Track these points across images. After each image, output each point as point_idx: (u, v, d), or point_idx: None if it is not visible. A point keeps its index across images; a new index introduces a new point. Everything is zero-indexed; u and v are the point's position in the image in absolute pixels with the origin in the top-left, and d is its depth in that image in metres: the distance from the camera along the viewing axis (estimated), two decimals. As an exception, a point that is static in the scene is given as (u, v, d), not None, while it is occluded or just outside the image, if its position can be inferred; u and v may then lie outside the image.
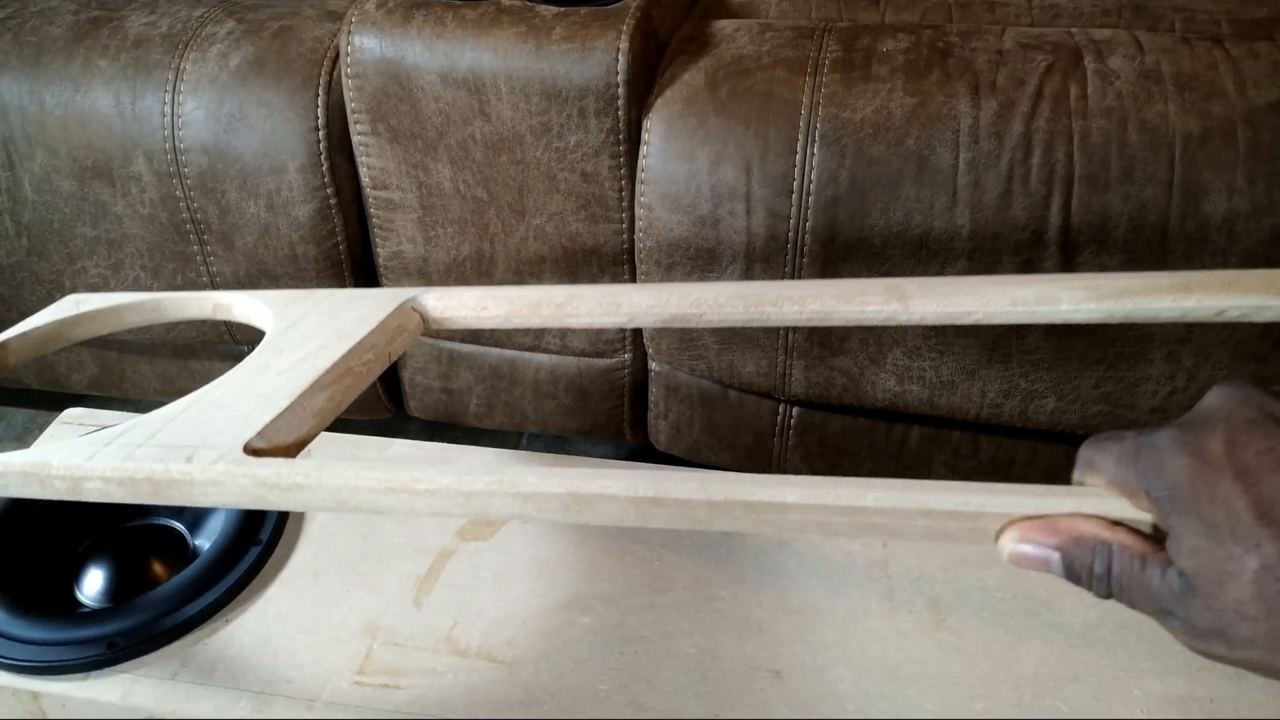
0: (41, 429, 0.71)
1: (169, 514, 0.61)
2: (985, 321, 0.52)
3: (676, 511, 0.40)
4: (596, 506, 0.40)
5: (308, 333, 0.55)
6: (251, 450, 0.45)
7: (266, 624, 0.51)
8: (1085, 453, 0.38)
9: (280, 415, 0.47)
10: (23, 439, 1.21)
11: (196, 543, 0.60)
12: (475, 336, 1.00)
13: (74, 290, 1.00)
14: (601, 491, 0.40)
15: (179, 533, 0.61)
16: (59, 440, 0.63)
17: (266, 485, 0.43)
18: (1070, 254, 0.79)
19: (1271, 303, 0.47)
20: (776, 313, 0.55)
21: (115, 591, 0.58)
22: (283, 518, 0.59)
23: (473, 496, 0.41)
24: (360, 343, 0.54)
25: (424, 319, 0.59)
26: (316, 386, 0.50)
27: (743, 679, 0.50)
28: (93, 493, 0.46)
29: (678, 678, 0.50)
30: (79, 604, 0.57)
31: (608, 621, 0.53)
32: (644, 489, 0.40)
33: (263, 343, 0.55)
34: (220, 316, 0.62)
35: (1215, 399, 0.35)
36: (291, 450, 0.47)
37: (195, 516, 0.61)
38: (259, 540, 0.57)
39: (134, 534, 0.61)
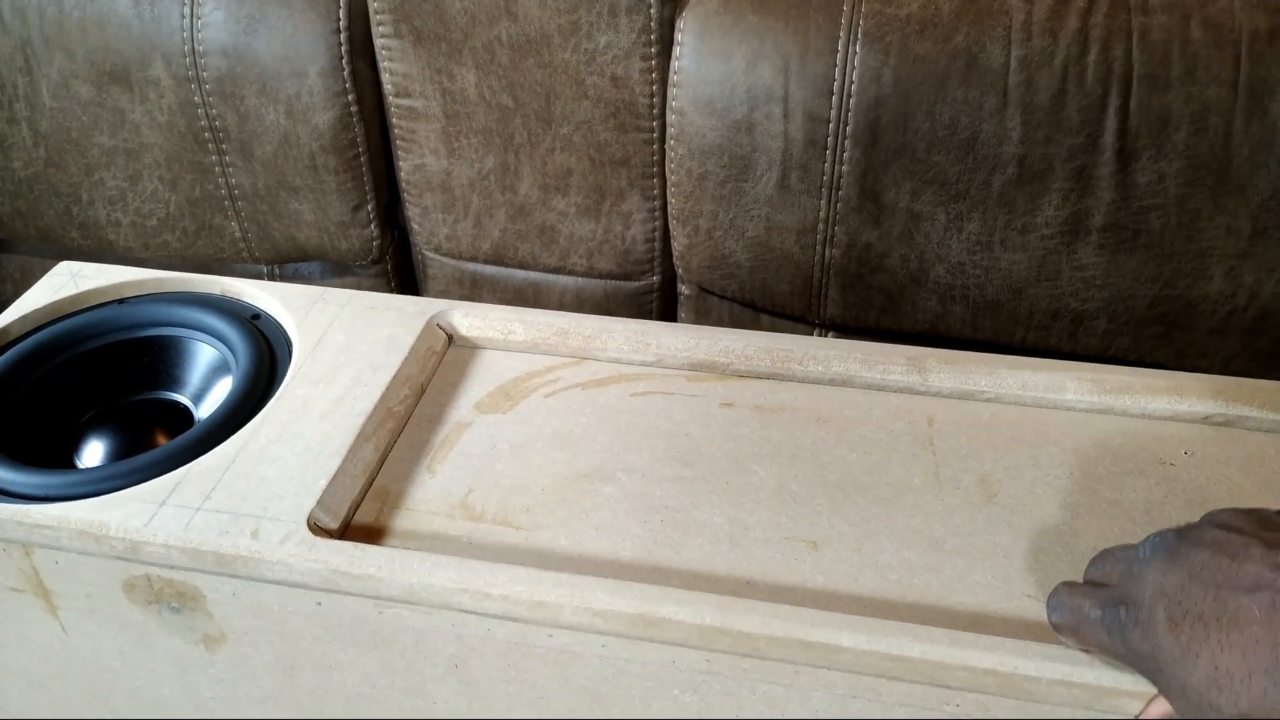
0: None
1: (173, 388, 0.59)
2: (996, 401, 0.54)
3: (739, 641, 0.42)
4: (663, 629, 0.42)
5: (338, 356, 0.55)
6: (316, 526, 0.46)
7: (264, 482, 0.48)
8: (1061, 623, 0.40)
9: (334, 478, 0.49)
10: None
11: (200, 416, 0.58)
12: (498, 258, 0.97)
13: (91, 203, 0.98)
14: (669, 616, 0.42)
15: (183, 406, 0.58)
16: (50, 291, 0.60)
17: (339, 573, 0.44)
18: (1127, 159, 0.75)
19: (1255, 414, 0.51)
20: (801, 370, 0.56)
21: (114, 460, 0.55)
22: (289, 389, 0.57)
23: (542, 606, 0.43)
24: (395, 376, 0.54)
25: (451, 338, 0.58)
26: (361, 437, 0.51)
27: (776, 548, 0.46)
28: (153, 557, 0.46)
29: (705, 545, 0.47)
30: (70, 468, 0.55)
31: (631, 491, 0.49)
32: (710, 618, 0.41)
33: (294, 367, 0.55)
34: (231, 294, 0.60)
35: (1150, 570, 0.37)
36: (351, 522, 0.49)
37: (200, 391, 0.58)
38: (262, 408, 0.53)
39: (137, 406, 0.58)
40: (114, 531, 0.46)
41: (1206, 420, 0.51)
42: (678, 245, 0.89)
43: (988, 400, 0.53)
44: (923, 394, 0.53)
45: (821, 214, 0.82)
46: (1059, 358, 0.88)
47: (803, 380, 0.55)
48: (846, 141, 0.79)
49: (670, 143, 0.84)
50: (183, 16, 0.88)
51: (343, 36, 0.87)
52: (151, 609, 0.48)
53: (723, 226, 0.85)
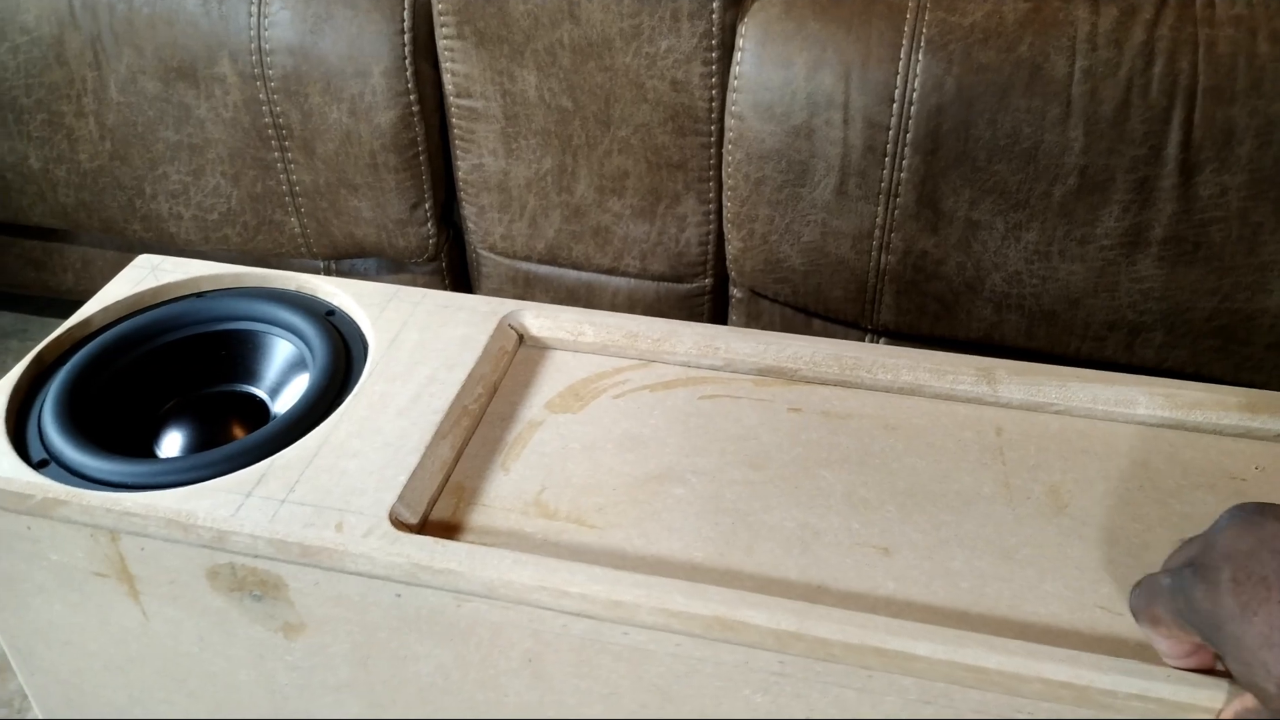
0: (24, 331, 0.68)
1: (250, 381, 0.60)
2: (1066, 413, 0.54)
3: (814, 646, 0.42)
4: (739, 632, 0.43)
5: (413, 354, 0.57)
6: (397, 521, 0.48)
7: (345, 476, 0.49)
8: (1136, 606, 0.42)
9: (414, 474, 0.50)
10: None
11: (276, 409, 0.59)
12: (552, 258, 0.98)
13: (154, 196, 1.00)
14: (745, 620, 0.42)
15: (260, 399, 0.59)
16: (131, 283, 0.62)
17: (420, 567, 0.46)
18: (1190, 172, 0.75)
19: None
20: (870, 377, 0.56)
21: (194, 450, 0.57)
22: (365, 385, 0.58)
23: (619, 606, 0.44)
24: (470, 376, 0.55)
25: (522, 338, 0.59)
26: (439, 435, 0.52)
27: (846, 553, 0.47)
28: (239, 546, 0.48)
29: (776, 549, 0.47)
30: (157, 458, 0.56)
31: (702, 493, 0.50)
32: (785, 623, 0.42)
33: (370, 363, 0.56)
34: (306, 290, 0.61)
35: (1223, 536, 0.37)
36: (429, 517, 0.50)
37: (276, 385, 0.59)
38: (340, 403, 0.55)
39: (215, 398, 0.59)
40: (202, 521, 0.47)
41: (1278, 438, 0.51)
42: (732, 248, 0.90)
43: (1057, 412, 0.53)
44: (992, 404, 0.54)
45: (878, 220, 0.83)
46: (1115, 369, 0.88)
47: (870, 388, 0.55)
48: (906, 149, 0.79)
49: (728, 147, 0.85)
50: (250, 15, 0.90)
51: (407, 37, 0.88)
52: (233, 596, 0.50)
53: (778, 231, 0.86)
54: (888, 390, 0.55)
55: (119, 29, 0.93)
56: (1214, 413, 0.51)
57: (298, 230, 0.99)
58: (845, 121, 0.80)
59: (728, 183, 0.86)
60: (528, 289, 1.01)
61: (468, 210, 0.97)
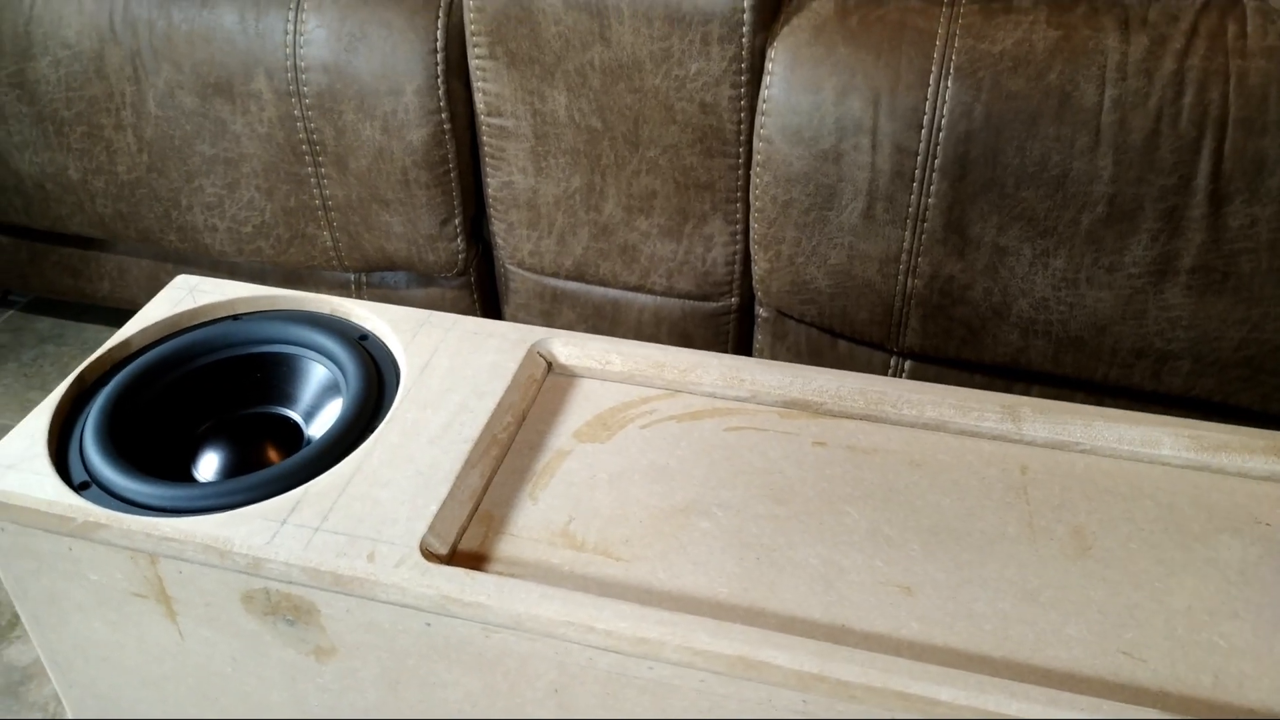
0: (59, 340, 0.70)
1: (284, 404, 0.61)
2: (1091, 452, 0.54)
3: (837, 688, 0.43)
4: (762, 671, 0.43)
5: (444, 381, 0.58)
6: (428, 552, 0.49)
7: (378, 505, 0.50)
8: None
9: (444, 504, 0.51)
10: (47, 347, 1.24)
11: (310, 433, 0.60)
12: (580, 274, 0.99)
13: (190, 208, 1.02)
14: (769, 660, 0.43)
15: (294, 422, 0.61)
16: (170, 304, 0.63)
17: (449, 599, 0.47)
18: (1219, 203, 0.74)
19: None
20: (895, 412, 0.57)
21: (230, 473, 0.58)
22: (397, 411, 0.59)
23: (644, 643, 0.45)
24: (500, 404, 0.56)
25: (550, 365, 0.61)
26: (468, 465, 0.53)
27: (870, 592, 0.47)
28: (273, 573, 0.49)
29: (800, 586, 0.48)
30: (195, 482, 0.57)
31: (727, 528, 0.51)
32: (808, 665, 0.43)
33: (402, 390, 0.58)
34: (340, 314, 0.63)
35: None
36: (463, 557, 0.51)
37: (310, 408, 0.61)
38: (372, 430, 0.56)
39: (250, 420, 0.60)
40: (238, 548, 0.49)
41: None
42: (758, 269, 0.90)
43: (1082, 451, 0.53)
44: (1016, 442, 0.54)
45: (905, 244, 0.83)
46: (1141, 397, 0.88)
47: (895, 423, 0.56)
48: (934, 174, 0.79)
49: (756, 169, 0.85)
50: (286, 33, 0.91)
51: (439, 56, 0.89)
52: (267, 620, 0.51)
53: (805, 253, 0.86)
54: (913, 425, 0.56)
55: (158, 45, 0.94)
56: (1240, 456, 0.52)
57: (329, 244, 1.01)
58: (873, 146, 0.80)
59: (755, 204, 0.87)
60: (555, 305, 1.02)
61: (497, 226, 0.98)
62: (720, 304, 0.97)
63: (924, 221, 0.81)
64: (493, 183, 0.96)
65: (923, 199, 0.80)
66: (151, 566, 0.51)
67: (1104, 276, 0.79)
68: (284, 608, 0.50)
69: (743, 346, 0.99)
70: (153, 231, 1.05)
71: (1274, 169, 0.73)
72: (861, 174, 0.81)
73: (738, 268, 0.94)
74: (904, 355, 0.92)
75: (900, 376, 0.93)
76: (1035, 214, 0.78)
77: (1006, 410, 0.54)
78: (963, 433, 0.55)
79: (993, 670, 0.43)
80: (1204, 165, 0.74)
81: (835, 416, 0.57)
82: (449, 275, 1.01)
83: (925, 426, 0.56)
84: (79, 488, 0.53)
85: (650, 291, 0.98)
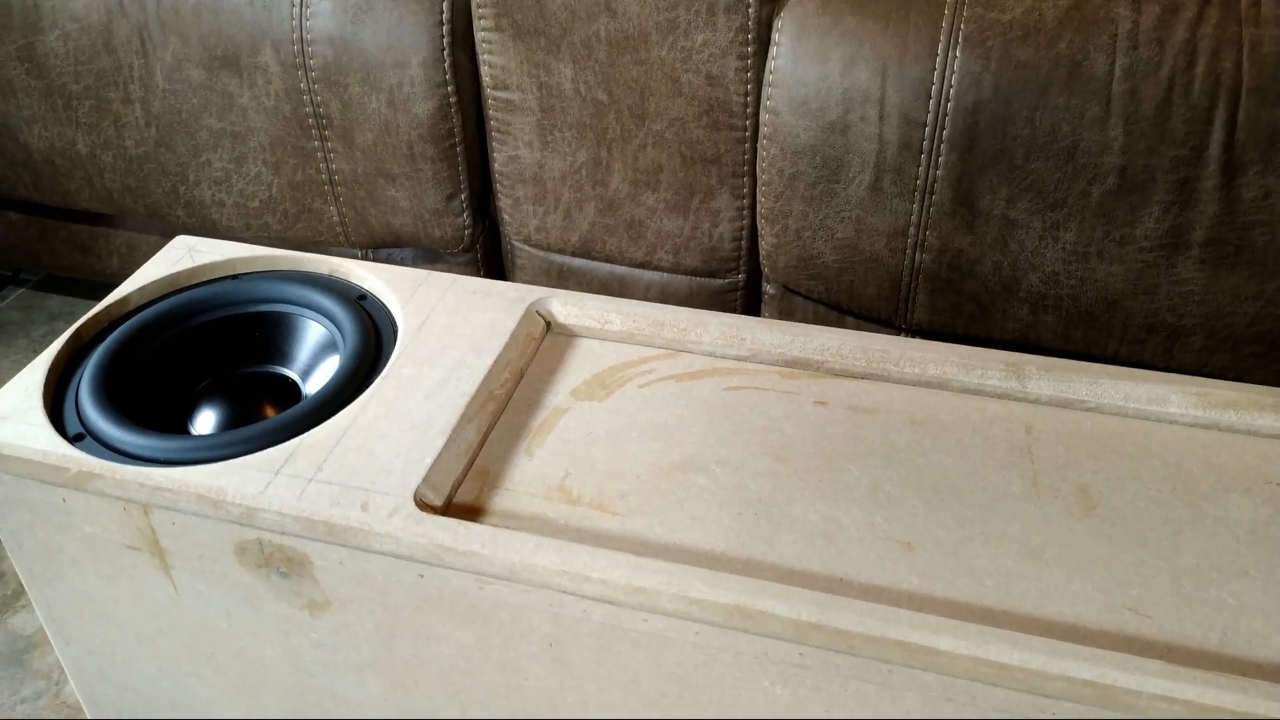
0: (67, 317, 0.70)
1: (282, 362, 0.61)
2: (1096, 410, 0.54)
3: (834, 638, 0.42)
4: (759, 622, 0.43)
5: (441, 339, 0.57)
6: (422, 503, 0.48)
7: (373, 457, 0.50)
8: None
9: (439, 457, 0.50)
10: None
11: (307, 390, 0.60)
12: (586, 250, 0.98)
13: (198, 183, 1.02)
14: (766, 610, 0.43)
15: (291, 380, 0.60)
16: (168, 264, 0.63)
17: (443, 548, 0.46)
18: (1232, 174, 0.73)
19: None
20: (897, 371, 0.56)
21: (226, 428, 0.57)
22: (395, 368, 0.58)
23: (639, 592, 0.44)
24: (497, 361, 0.56)
25: (549, 325, 0.60)
26: (464, 419, 0.53)
27: (870, 547, 0.47)
28: (266, 523, 0.48)
29: (798, 541, 0.47)
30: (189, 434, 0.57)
31: (725, 484, 0.50)
32: (806, 614, 0.42)
33: (399, 347, 0.57)
34: (339, 274, 0.62)
35: None
36: (453, 499, 0.50)
37: (308, 366, 0.60)
38: (369, 385, 0.55)
39: (248, 378, 0.60)
40: (231, 497, 0.48)
41: None
42: (765, 244, 0.90)
43: (1088, 410, 0.53)
44: (1021, 400, 0.53)
45: (913, 218, 0.82)
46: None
47: (898, 381, 0.55)
48: (943, 146, 0.78)
49: (763, 142, 0.84)
50: (293, 5, 0.91)
51: (445, 29, 0.89)
52: (260, 573, 0.50)
53: (812, 227, 0.85)
54: (915, 384, 0.55)
55: (165, 18, 0.94)
56: (1249, 414, 0.51)
57: (336, 219, 1.01)
58: (881, 118, 0.79)
59: (762, 178, 0.86)
60: (561, 281, 1.01)
61: (503, 202, 0.98)
62: (727, 280, 0.96)
63: (932, 194, 0.80)
64: (499, 157, 0.95)
65: (931, 171, 0.79)
66: (145, 517, 0.51)
67: (1115, 250, 0.78)
68: (277, 559, 0.50)
69: (749, 324, 0.99)
70: (160, 207, 1.05)
71: (1289, 139, 0.72)
72: (869, 146, 0.80)
73: (745, 243, 0.93)
74: (912, 331, 0.91)
75: (908, 354, 0.92)
76: (1045, 186, 0.77)
77: (1011, 368, 0.53)
78: (966, 391, 0.54)
79: (994, 624, 0.42)
80: (1216, 135, 0.73)
81: (837, 376, 0.56)
82: (455, 251, 1.01)
83: (928, 385, 0.55)
84: (73, 439, 0.52)
85: (656, 268, 0.97)
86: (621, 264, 0.98)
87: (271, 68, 0.93)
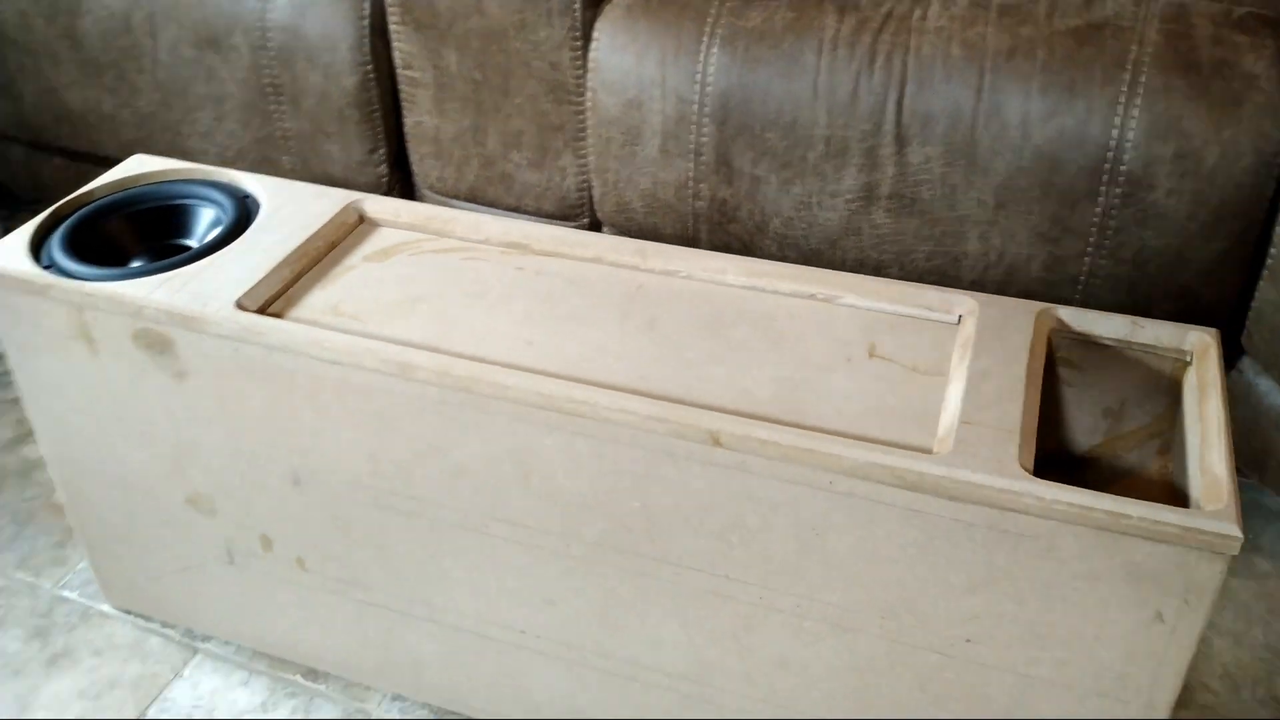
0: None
1: (188, 236, 0.90)
2: (688, 278, 0.87)
3: (464, 382, 0.65)
4: (417, 373, 0.66)
5: (285, 221, 0.85)
6: (240, 306, 0.76)
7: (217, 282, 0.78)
8: None
9: (259, 283, 0.79)
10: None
11: (203, 254, 0.89)
12: (473, 197, 1.27)
13: (189, 136, 1.33)
14: (420, 364, 0.66)
15: (189, 245, 0.90)
16: (123, 171, 0.93)
17: (247, 330, 0.74)
18: (902, 144, 0.99)
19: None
20: (571, 252, 0.84)
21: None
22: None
23: (362, 356, 0.71)
24: (315, 234, 0.84)
25: (361, 218, 0.88)
26: (284, 264, 0.81)
27: (509, 343, 0.74)
28: (149, 316, 0.77)
29: (476, 337, 0.75)
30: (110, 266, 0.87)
31: (436, 309, 0.78)
32: (459, 369, 0.66)
33: (258, 219, 0.86)
34: (235, 183, 0.91)
35: None
36: (265, 308, 0.78)
37: (202, 237, 0.90)
38: (229, 244, 0.84)
39: (167, 245, 0.90)
40: (128, 299, 0.77)
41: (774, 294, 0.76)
42: (595, 193, 1.17)
43: (682, 277, 0.79)
44: (644, 271, 0.80)
45: (691, 174, 1.09)
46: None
47: (571, 258, 0.82)
48: (706, 119, 1.05)
49: (588, 114, 1.12)
50: (257, 2, 1.21)
51: (366, 21, 1.18)
52: (149, 352, 0.80)
53: (624, 180, 1.13)
54: (580, 259, 0.82)
55: (168, 7, 1.26)
56: (775, 280, 0.77)
57: (288, 167, 1.31)
58: (663, 96, 1.06)
59: (589, 142, 1.14)
60: (456, 222, 1.30)
61: (413, 157, 1.27)
62: (578, 224, 1.24)
63: (701, 156, 1.07)
64: (408, 121, 1.25)
65: (699, 138, 1.06)
66: (78, 314, 0.80)
67: (829, 201, 1.04)
68: (155, 341, 0.79)
69: (595, 260, 1.26)
70: (162, 154, 1.37)
71: (939, 119, 0.97)
72: (656, 118, 1.07)
73: (587, 194, 1.20)
74: (704, 266, 1.17)
75: (704, 284, 1.19)
76: (777, 151, 1.04)
77: (637, 251, 0.80)
78: (605, 263, 0.81)
79: (557, 375, 0.70)
80: (889, 114, 0.98)
81: (537, 254, 0.84)
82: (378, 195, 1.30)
83: (590, 261, 0.82)
84: (45, 268, 0.83)
85: (524, 212, 1.25)
86: (500, 209, 1.27)
87: (242, 48, 1.24)
